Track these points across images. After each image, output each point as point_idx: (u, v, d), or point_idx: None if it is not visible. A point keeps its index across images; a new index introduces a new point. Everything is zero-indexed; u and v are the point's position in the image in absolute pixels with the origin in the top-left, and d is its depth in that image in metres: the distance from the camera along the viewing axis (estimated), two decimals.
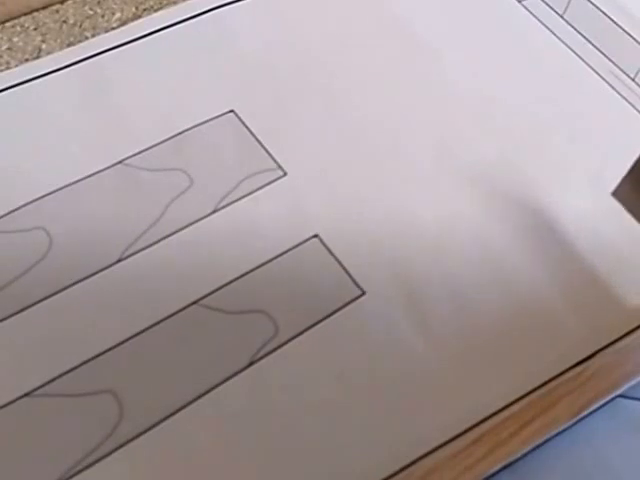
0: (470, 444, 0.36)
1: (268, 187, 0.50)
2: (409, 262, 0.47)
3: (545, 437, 0.37)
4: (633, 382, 0.40)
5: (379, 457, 0.39)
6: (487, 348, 0.43)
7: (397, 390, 0.41)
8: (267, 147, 0.51)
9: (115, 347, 0.42)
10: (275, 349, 0.42)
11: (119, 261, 0.45)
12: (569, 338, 0.43)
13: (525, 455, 0.39)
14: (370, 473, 0.38)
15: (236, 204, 0.49)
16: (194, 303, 0.44)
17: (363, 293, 0.45)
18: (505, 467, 0.38)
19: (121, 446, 0.39)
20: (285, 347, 0.43)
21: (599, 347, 0.42)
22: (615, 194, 0.44)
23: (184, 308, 0.43)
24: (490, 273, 0.46)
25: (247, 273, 0.45)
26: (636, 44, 0.57)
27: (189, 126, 0.52)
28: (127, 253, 0.45)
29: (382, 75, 0.55)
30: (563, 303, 0.44)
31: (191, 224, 0.47)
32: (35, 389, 0.40)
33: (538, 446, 0.39)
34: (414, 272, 0.46)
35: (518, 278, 0.45)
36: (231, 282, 0.45)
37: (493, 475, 0.38)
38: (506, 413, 0.38)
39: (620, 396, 0.41)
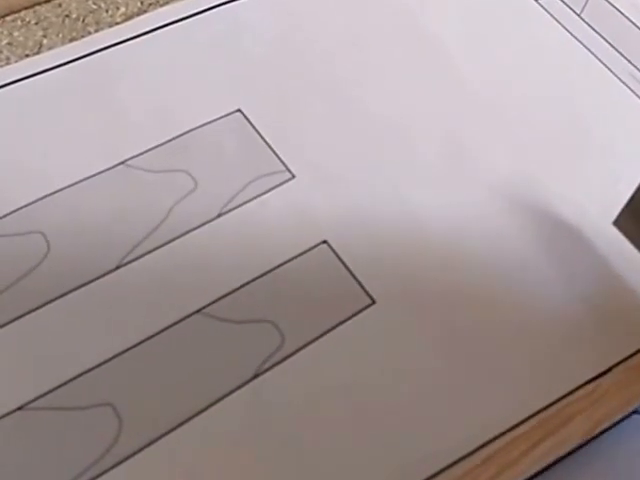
0: (479, 464, 0.34)
1: (275, 190, 0.48)
2: (421, 270, 0.45)
3: (556, 456, 0.36)
4: None
5: (386, 477, 0.37)
6: (499, 364, 0.41)
7: (407, 406, 0.40)
8: (275, 148, 0.50)
9: (114, 358, 0.40)
10: (281, 361, 0.41)
11: (118, 267, 0.43)
12: (582, 354, 0.41)
13: (538, 475, 0.37)
14: None
15: (242, 208, 0.47)
16: (197, 312, 0.42)
17: (373, 302, 0.43)
18: None
19: (120, 462, 0.37)
20: (291, 359, 0.41)
21: (613, 363, 0.40)
22: (616, 223, 0.43)
23: (186, 317, 0.42)
24: (504, 284, 0.44)
25: (252, 280, 0.44)
26: None
27: (194, 126, 0.50)
28: (127, 259, 0.44)
29: (394, 73, 0.54)
30: (578, 318, 0.43)
31: (195, 229, 0.45)
32: (29, 402, 0.38)
33: (551, 465, 0.38)
34: (427, 281, 0.44)
35: (534, 291, 0.44)
36: (235, 290, 0.43)
37: None
38: (516, 432, 0.36)
39: (637, 413, 0.39)
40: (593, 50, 0.55)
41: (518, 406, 0.39)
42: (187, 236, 0.45)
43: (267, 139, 0.50)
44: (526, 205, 0.47)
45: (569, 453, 0.38)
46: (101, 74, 0.52)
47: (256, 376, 0.40)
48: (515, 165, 0.49)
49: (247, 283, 0.43)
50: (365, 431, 0.39)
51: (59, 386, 0.39)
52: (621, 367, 0.39)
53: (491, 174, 0.49)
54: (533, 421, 0.36)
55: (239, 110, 0.51)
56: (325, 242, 0.45)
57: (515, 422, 0.38)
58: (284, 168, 0.49)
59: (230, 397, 0.39)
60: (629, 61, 0.55)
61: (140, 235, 0.45)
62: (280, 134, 0.50)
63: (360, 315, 0.43)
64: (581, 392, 0.37)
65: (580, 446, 0.38)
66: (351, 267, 0.45)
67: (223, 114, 0.51)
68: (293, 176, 0.48)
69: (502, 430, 0.38)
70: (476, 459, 0.35)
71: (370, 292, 0.44)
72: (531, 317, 0.43)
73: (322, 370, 0.41)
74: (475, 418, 0.39)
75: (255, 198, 0.47)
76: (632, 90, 0.53)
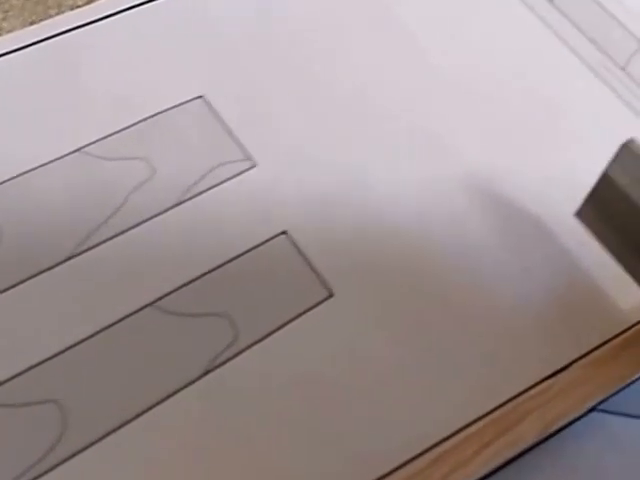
0: (429, 465, 0.34)
1: (236, 179, 0.47)
2: (382, 262, 0.44)
3: (509, 456, 0.35)
4: (607, 396, 0.38)
5: (337, 474, 0.37)
6: (455, 359, 0.40)
7: (360, 402, 0.39)
8: (237, 136, 0.49)
9: (61, 353, 0.39)
10: (234, 355, 0.40)
11: (70, 258, 0.42)
12: (540, 350, 0.40)
13: (494, 473, 0.37)
14: None
15: (200, 197, 0.46)
16: (149, 305, 0.41)
17: (331, 295, 0.43)
18: None
19: (64, 460, 0.36)
20: (245, 353, 0.40)
21: (571, 359, 0.39)
22: (578, 215, 0.42)
23: (138, 311, 0.41)
24: (464, 276, 0.43)
25: (208, 272, 0.43)
26: (627, 33, 0.54)
27: (154, 112, 0.49)
28: (80, 249, 0.43)
29: (363, 60, 0.52)
30: (536, 312, 0.42)
31: (151, 218, 0.44)
32: None
33: (507, 464, 0.37)
34: (387, 273, 0.44)
35: (493, 283, 0.43)
36: (190, 282, 0.42)
37: None
38: (469, 430, 0.35)
39: (595, 410, 0.38)
40: (564, 37, 0.54)
41: (473, 403, 0.38)
42: (142, 226, 0.44)
43: (230, 127, 0.49)
44: (491, 193, 0.46)
45: (526, 451, 0.37)
46: (60, 58, 0.51)
47: (208, 371, 0.39)
48: (481, 150, 0.48)
49: (203, 275, 0.43)
50: (318, 427, 0.38)
51: (2, 382, 0.38)
52: (579, 363, 0.38)
53: (457, 159, 0.48)
54: (486, 419, 0.35)
55: (201, 96, 0.50)
56: (285, 233, 0.45)
57: (469, 420, 0.37)
58: (246, 157, 0.48)
59: (181, 393, 0.39)
60: (600, 49, 0.54)
61: (94, 224, 0.44)
62: (243, 122, 0.49)
63: (317, 308, 0.42)
64: (537, 389, 0.36)
65: (538, 444, 0.38)
66: (310, 259, 0.44)
67: (184, 100, 0.50)
68: (255, 165, 0.47)
69: (455, 428, 0.38)
70: (428, 458, 0.34)
71: (329, 284, 0.43)
72: (490, 311, 0.42)
73: (277, 364, 0.40)
74: (429, 415, 0.38)
75: (214, 187, 0.46)
76: (602, 79, 0.52)
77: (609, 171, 0.39)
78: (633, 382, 0.40)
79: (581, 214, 0.43)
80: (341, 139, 0.49)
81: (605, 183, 0.39)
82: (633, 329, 0.39)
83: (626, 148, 0.37)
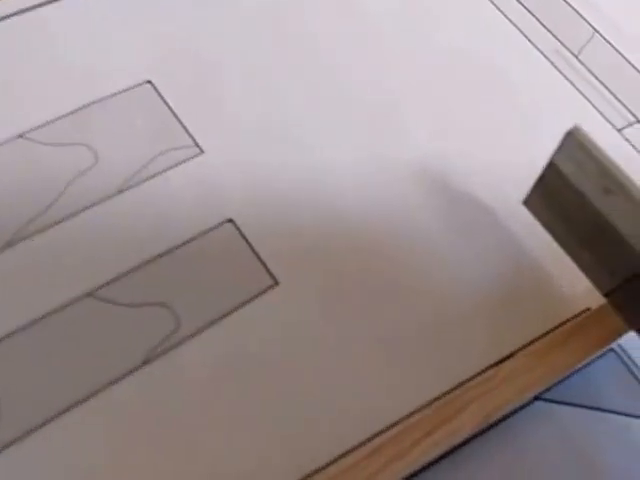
0: (367, 455, 0.33)
1: (182, 165, 0.46)
2: (329, 250, 0.43)
3: (449, 446, 0.35)
4: (551, 385, 0.38)
5: (277, 464, 0.36)
6: (400, 348, 0.40)
7: (302, 391, 0.39)
8: (185, 123, 0.48)
9: None
10: (174, 346, 0.39)
11: (8, 246, 0.41)
12: (485, 338, 0.40)
13: (437, 462, 0.37)
14: None
15: (145, 184, 0.45)
16: (88, 295, 0.40)
17: (277, 283, 0.42)
18: (415, 475, 0.36)
19: None
20: (186, 344, 0.39)
21: (515, 348, 0.39)
22: (526, 203, 0.41)
23: (76, 300, 0.40)
24: (414, 263, 0.43)
25: (151, 260, 0.42)
26: (581, 20, 0.54)
27: (100, 96, 0.48)
28: (18, 237, 0.42)
29: (321, 42, 0.51)
30: (483, 300, 0.42)
31: (92, 206, 0.43)
32: None
33: (450, 453, 0.37)
34: (334, 261, 0.43)
35: (442, 270, 0.42)
36: (132, 271, 0.41)
37: None
38: (409, 420, 0.35)
39: (540, 399, 0.38)
40: (518, 24, 0.53)
41: (415, 393, 0.38)
42: (83, 214, 0.43)
43: (177, 113, 0.48)
44: (441, 178, 0.46)
45: (472, 439, 0.37)
46: (1, 41, 0.49)
47: (146, 362, 0.38)
48: (433, 135, 0.48)
49: (145, 264, 0.42)
50: (259, 417, 0.38)
51: None
52: (523, 352, 0.37)
53: (408, 143, 0.47)
54: (427, 409, 0.35)
55: (149, 81, 0.49)
56: (230, 221, 0.44)
57: (410, 410, 0.37)
58: (193, 143, 0.47)
59: (118, 384, 0.38)
60: (555, 37, 0.53)
61: (33, 212, 0.43)
62: (192, 108, 0.48)
63: (262, 297, 0.42)
64: (478, 379, 0.35)
65: (483, 432, 0.37)
66: (256, 247, 0.43)
67: (131, 85, 0.49)
68: (202, 151, 0.46)
69: (397, 418, 0.37)
70: (366, 449, 0.34)
71: (274, 273, 0.42)
72: (437, 298, 0.42)
73: (219, 354, 0.39)
74: (374, 403, 0.38)
75: (159, 174, 0.45)
76: (555, 66, 0.52)
77: (555, 159, 0.38)
78: (577, 371, 0.39)
79: (529, 202, 0.42)
80: (291, 127, 0.48)
81: (551, 171, 0.39)
82: (577, 318, 0.38)
83: (570, 136, 0.36)
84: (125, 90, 0.49)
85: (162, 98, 0.48)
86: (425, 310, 0.41)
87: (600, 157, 0.34)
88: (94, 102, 0.48)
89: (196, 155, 0.46)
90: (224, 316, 0.40)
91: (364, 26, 0.52)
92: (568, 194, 0.38)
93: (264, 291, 0.41)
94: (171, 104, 0.48)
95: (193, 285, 0.41)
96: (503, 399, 0.35)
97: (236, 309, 0.41)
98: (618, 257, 0.37)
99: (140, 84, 0.49)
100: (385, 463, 0.33)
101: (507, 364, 0.36)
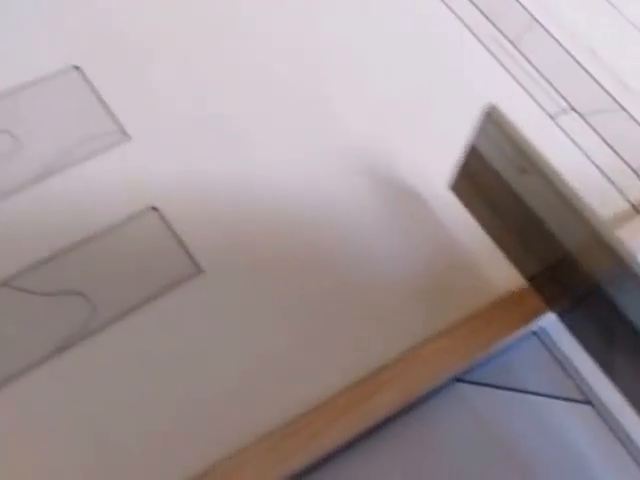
0: (283, 436, 0.33)
1: (108, 152, 0.45)
2: (256, 237, 0.43)
3: (365, 426, 0.34)
4: (468, 366, 0.37)
5: (184, 456, 0.36)
6: (324, 331, 0.40)
7: (222, 377, 0.38)
8: (113, 109, 0.47)
9: None
10: (89, 334, 0.38)
11: None
12: (409, 320, 0.40)
13: (353, 444, 0.36)
14: (175, 472, 0.35)
15: (68, 170, 0.44)
16: (3, 284, 0.39)
17: (201, 271, 0.41)
18: (332, 457, 0.35)
19: None
20: (102, 332, 0.39)
21: (438, 330, 0.39)
22: (452, 188, 0.41)
23: None
24: (342, 248, 0.43)
25: (70, 249, 0.41)
26: (519, 7, 0.54)
27: (24, 82, 0.47)
28: None
29: (252, 31, 0.51)
30: (409, 282, 0.41)
31: (12, 193, 0.42)
32: None
33: (368, 434, 0.36)
34: (261, 247, 0.43)
35: (370, 254, 0.42)
36: (50, 259, 0.40)
37: (316, 467, 0.35)
38: (324, 402, 0.34)
39: (459, 380, 0.38)
40: (456, 11, 0.53)
41: (336, 376, 0.37)
42: (2, 201, 0.42)
43: (105, 99, 0.47)
44: (371, 166, 0.45)
45: (388, 421, 0.37)
46: None
47: (60, 350, 0.38)
48: (366, 124, 0.47)
49: (62, 252, 0.41)
50: (166, 407, 0.37)
51: None
52: (441, 334, 0.37)
53: (339, 132, 0.47)
54: (342, 389, 0.35)
55: (77, 67, 0.48)
56: (155, 208, 0.43)
57: (332, 393, 0.37)
58: (120, 129, 0.46)
59: (31, 372, 0.37)
60: (491, 22, 0.53)
61: None
62: (121, 95, 0.47)
63: (185, 285, 0.41)
64: (395, 359, 0.35)
65: (400, 414, 0.37)
66: (181, 235, 0.42)
67: (57, 70, 0.48)
68: (128, 138, 0.46)
69: (318, 401, 0.37)
70: (281, 431, 0.34)
71: (199, 261, 0.42)
72: (363, 281, 0.41)
73: (139, 342, 0.39)
74: (292, 388, 0.37)
75: (83, 160, 0.44)
76: (491, 52, 0.52)
77: (474, 141, 0.38)
78: (499, 353, 0.39)
79: (454, 186, 0.42)
80: (223, 115, 0.47)
81: (471, 153, 0.39)
82: (495, 302, 0.38)
83: (487, 116, 0.36)
84: (51, 76, 0.48)
85: (89, 84, 0.47)
86: (348, 292, 0.40)
87: (515, 135, 0.34)
88: (18, 88, 0.46)
89: (122, 142, 0.45)
90: (144, 304, 0.40)
91: (299, 14, 0.52)
92: (488, 176, 0.38)
93: (188, 279, 0.41)
94: (99, 90, 0.47)
95: (113, 273, 0.40)
96: (421, 379, 0.35)
97: (157, 297, 0.40)
98: (538, 241, 0.37)
99: (66, 70, 0.48)
100: (301, 442, 0.33)
101: (426, 345, 0.36)
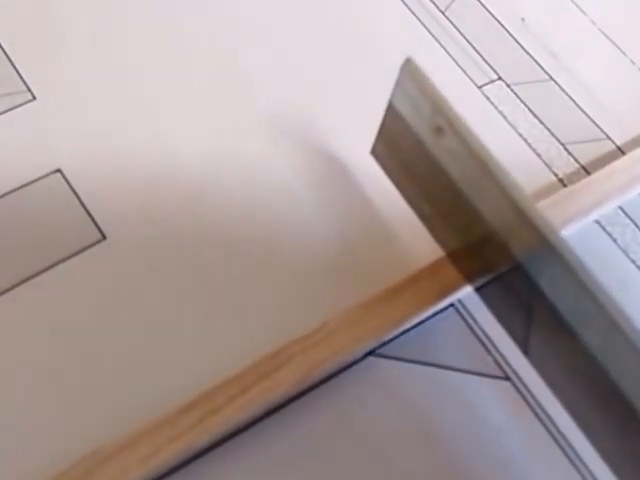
0: (180, 412, 0.31)
1: (10, 112, 0.43)
2: (166, 205, 0.41)
3: (269, 402, 0.32)
4: (381, 340, 0.36)
5: (100, 427, 0.33)
6: (233, 302, 0.38)
7: (125, 350, 0.36)
8: (17, 66, 0.44)
9: None
10: None
11: None
12: (323, 294, 0.38)
13: (257, 422, 0.34)
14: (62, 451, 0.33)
15: None
16: None
17: (104, 238, 0.39)
18: (232, 437, 0.33)
19: None
20: None
21: (344, 305, 0.37)
22: (373, 152, 0.39)
23: None
24: (256, 217, 0.41)
25: None
26: None
27: None
28: None
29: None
30: (327, 254, 0.40)
31: None
32: None
33: (271, 413, 0.34)
34: (170, 216, 0.40)
35: (287, 223, 0.40)
36: None
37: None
38: (225, 376, 0.32)
39: (372, 354, 0.36)
40: None
41: (242, 351, 0.35)
42: None
43: (10, 55, 0.44)
44: (289, 132, 0.43)
45: (295, 398, 0.35)
46: None
47: None
48: (287, 90, 0.45)
49: None
50: (78, 378, 0.35)
51: None
52: (355, 306, 0.35)
53: (256, 98, 0.45)
54: (246, 364, 0.33)
55: None
56: (59, 171, 0.40)
57: (235, 370, 0.34)
58: (25, 89, 0.43)
59: None
60: None
61: None
62: (27, 52, 0.45)
63: (87, 252, 0.38)
64: (302, 333, 0.33)
65: (309, 390, 0.35)
66: (85, 200, 0.40)
67: None
68: (34, 98, 0.43)
69: (225, 377, 0.35)
70: (178, 406, 0.31)
71: (102, 227, 0.39)
72: (275, 251, 0.39)
73: (36, 310, 0.36)
74: (198, 362, 0.35)
75: None
76: (419, 19, 0.50)
77: (392, 100, 0.36)
78: (414, 327, 0.38)
79: (375, 151, 0.40)
80: (132, 79, 0.45)
81: (390, 114, 0.37)
82: (411, 275, 0.36)
83: (404, 71, 0.34)
84: None
85: None
86: (256, 264, 0.39)
87: (430, 90, 0.32)
88: None
89: (27, 102, 0.43)
90: (43, 271, 0.37)
91: None
92: (407, 139, 0.36)
93: (90, 245, 0.39)
94: (4, 46, 0.44)
95: (9, 238, 0.38)
96: (328, 353, 0.33)
97: (57, 264, 0.38)
98: (457, 212, 0.35)
99: None
100: (199, 419, 0.31)
101: (334, 317, 0.34)
